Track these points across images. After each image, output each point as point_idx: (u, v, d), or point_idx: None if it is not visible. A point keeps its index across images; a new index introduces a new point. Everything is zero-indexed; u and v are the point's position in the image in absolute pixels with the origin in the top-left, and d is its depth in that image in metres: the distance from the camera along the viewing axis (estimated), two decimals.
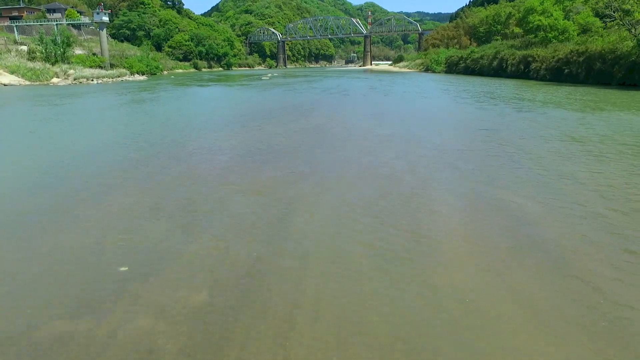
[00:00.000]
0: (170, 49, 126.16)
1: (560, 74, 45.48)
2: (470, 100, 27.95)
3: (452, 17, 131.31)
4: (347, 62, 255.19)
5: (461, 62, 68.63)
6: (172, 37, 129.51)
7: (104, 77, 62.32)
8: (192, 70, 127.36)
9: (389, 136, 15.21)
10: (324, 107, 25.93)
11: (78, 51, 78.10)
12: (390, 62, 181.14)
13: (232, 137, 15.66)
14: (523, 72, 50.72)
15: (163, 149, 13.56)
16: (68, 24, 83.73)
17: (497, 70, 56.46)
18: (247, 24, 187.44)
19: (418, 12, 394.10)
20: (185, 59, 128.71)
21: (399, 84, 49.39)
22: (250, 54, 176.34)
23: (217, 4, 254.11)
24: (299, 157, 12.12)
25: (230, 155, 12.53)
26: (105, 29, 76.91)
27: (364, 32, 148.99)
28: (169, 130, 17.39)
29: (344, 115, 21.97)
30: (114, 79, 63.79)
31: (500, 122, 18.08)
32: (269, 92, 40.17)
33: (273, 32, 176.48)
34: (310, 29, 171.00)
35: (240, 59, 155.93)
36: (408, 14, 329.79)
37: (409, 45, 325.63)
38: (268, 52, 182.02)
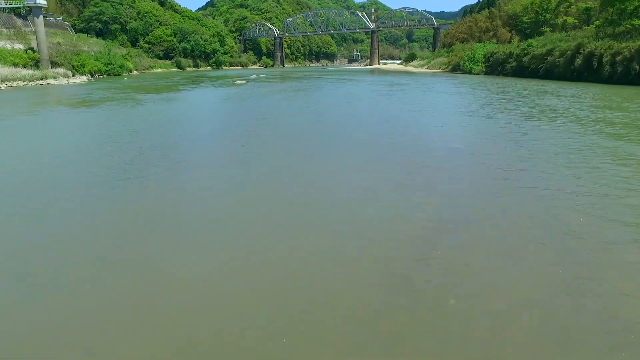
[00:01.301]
0: (148, 45, 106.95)
1: None
2: None
3: (467, 11, 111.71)
4: (349, 61, 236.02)
5: (511, 59, 49.48)
6: (152, 31, 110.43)
7: (18, 79, 43.31)
8: (175, 69, 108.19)
9: None
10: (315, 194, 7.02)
11: (9, 45, 59.11)
12: (400, 61, 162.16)
13: None
14: (638, 74, 31.58)
15: None
16: None
17: (582, 71, 37.29)
18: (241, 19, 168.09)
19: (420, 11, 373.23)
20: (166, 56, 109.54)
21: (439, 94, 30.38)
22: (245, 51, 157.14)
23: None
24: None
25: None
26: (41, 16, 57.72)
27: (371, 27, 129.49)
28: None
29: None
30: (35, 82, 44.72)
31: None
32: (221, 113, 21.38)
33: (270, 28, 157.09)
34: (311, 24, 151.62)
35: (232, 57, 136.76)
36: (411, 13, 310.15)
37: (414, 43, 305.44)
38: (264, 50, 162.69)
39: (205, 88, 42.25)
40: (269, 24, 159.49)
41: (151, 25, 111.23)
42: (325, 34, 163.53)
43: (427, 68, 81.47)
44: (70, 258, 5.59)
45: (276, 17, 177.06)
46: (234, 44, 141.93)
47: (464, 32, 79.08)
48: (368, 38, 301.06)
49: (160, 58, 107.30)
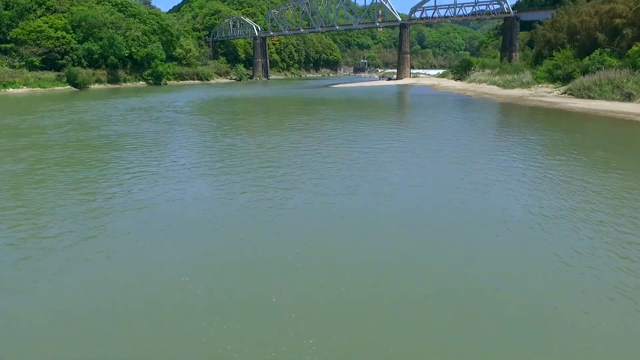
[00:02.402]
0: (9, 45, 59.82)
1: None
2: None
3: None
4: (355, 70, 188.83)
5: None
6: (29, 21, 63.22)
7: None
8: (63, 87, 60.83)
9: None
10: None
11: None
12: (437, 72, 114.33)
13: None
14: None
15: None
16: None
17: None
18: (212, 14, 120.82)
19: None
20: (51, 64, 62.12)
21: None
22: (214, 57, 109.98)
23: None
24: None
25: None
26: None
27: (398, 19, 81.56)
28: None
29: None
30: None
31: None
32: None
33: (249, 25, 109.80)
34: (306, 19, 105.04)
35: (188, 65, 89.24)
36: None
37: (427, 50, 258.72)
38: (242, 55, 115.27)
39: None
40: (247, 20, 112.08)
41: (28, 11, 63.97)
42: (326, 32, 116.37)
43: (570, 94, 33.51)
44: None
45: (262, 14, 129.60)
46: (192, 47, 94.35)
47: None
48: (375, 43, 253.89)
49: (37, 68, 59.84)
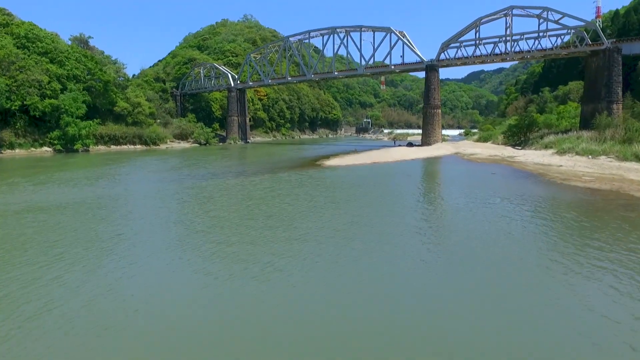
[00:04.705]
0: None
1: None
2: None
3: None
4: (358, 131, 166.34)
5: None
6: None
7: None
8: None
9: None
10: None
11: None
12: (461, 133, 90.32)
13: None
14: None
15: None
16: None
17: None
18: (184, 63, 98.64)
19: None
20: None
21: None
22: (182, 114, 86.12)
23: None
24: None
25: None
26: None
27: (422, 59, 57.14)
28: None
29: None
30: None
31: None
32: None
33: (225, 74, 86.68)
34: (298, 72, 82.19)
35: (135, 124, 64.52)
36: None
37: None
38: (218, 112, 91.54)
39: None
40: (222, 67, 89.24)
41: None
42: (322, 80, 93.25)
43: None
44: None
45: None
46: (142, 100, 70.13)
47: None
48: (379, 102, 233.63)
49: None
